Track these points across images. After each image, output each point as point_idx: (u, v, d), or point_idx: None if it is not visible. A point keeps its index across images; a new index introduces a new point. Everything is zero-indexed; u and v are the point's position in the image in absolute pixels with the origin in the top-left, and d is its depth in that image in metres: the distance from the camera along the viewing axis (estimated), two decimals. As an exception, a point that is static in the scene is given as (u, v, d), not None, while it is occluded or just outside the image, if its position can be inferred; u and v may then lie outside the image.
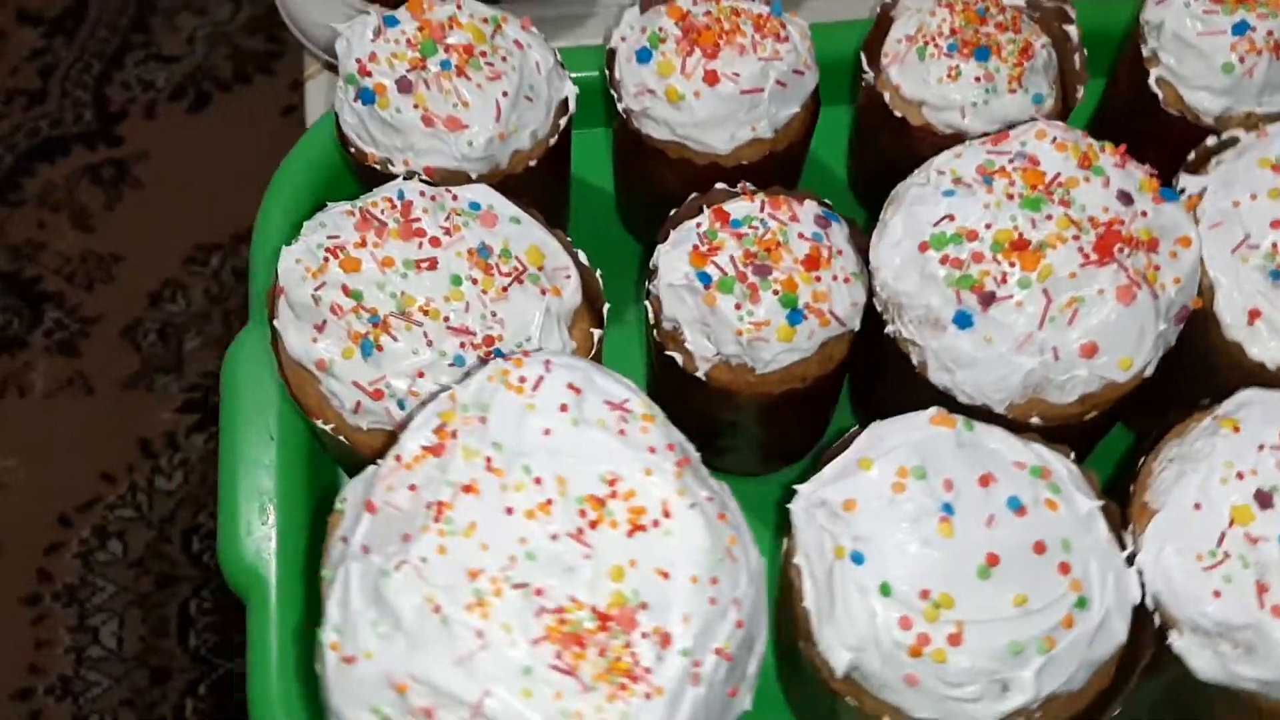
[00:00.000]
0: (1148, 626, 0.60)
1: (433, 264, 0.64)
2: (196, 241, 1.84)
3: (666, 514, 0.52)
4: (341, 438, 0.65)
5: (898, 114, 0.76)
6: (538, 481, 0.52)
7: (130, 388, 1.76)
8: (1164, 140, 0.75)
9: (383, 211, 0.66)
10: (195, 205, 1.86)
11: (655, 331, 0.70)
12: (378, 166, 0.74)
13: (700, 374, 0.69)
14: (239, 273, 1.82)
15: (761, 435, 0.75)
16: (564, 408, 0.54)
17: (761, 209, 0.68)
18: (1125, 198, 0.65)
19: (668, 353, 0.69)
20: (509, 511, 0.51)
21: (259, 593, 0.71)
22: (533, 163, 0.74)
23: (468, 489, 0.52)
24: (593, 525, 0.51)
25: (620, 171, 0.85)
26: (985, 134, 0.74)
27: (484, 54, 0.72)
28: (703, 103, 0.73)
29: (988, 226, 0.64)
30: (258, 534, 0.72)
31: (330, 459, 0.78)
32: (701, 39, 0.72)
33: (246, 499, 0.73)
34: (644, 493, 0.52)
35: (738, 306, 0.66)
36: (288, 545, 0.72)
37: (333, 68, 0.94)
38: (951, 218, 0.65)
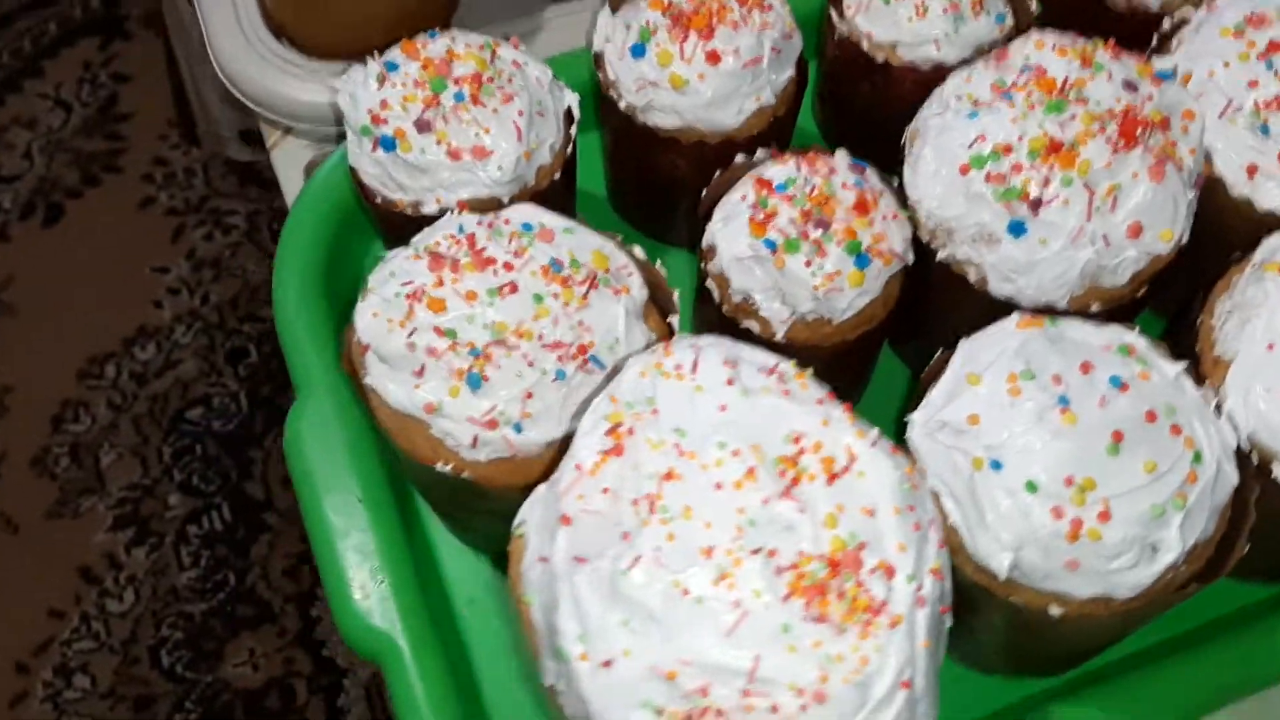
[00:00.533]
0: (1248, 466, 0.65)
1: (513, 287, 0.65)
2: (87, 355, 1.78)
3: (853, 457, 0.54)
4: (465, 475, 0.65)
5: (880, 58, 0.80)
6: (735, 454, 0.53)
7: (55, 517, 1.70)
8: (1113, 36, 0.80)
9: (449, 249, 0.66)
10: (76, 318, 1.80)
11: (723, 308, 0.72)
12: (409, 211, 0.74)
13: (779, 337, 0.71)
14: (137, 376, 1.77)
15: (836, 384, 0.77)
16: (730, 382, 0.56)
17: (798, 169, 0.71)
18: (1130, 86, 0.69)
19: (743, 325, 0.71)
20: (718, 487, 0.53)
21: (392, 652, 0.71)
22: (557, 175, 0.75)
23: (668, 477, 0.53)
24: (794, 482, 0.53)
25: (622, 168, 0.86)
26: (963, 60, 0.78)
27: (491, 79, 0.73)
28: (708, 83, 0.75)
29: (1020, 138, 0.68)
30: (374, 595, 0.72)
31: (418, 506, 0.79)
32: (694, 23, 0.74)
33: (352, 565, 0.72)
34: (829, 442, 0.54)
35: (808, 264, 0.69)
36: (405, 597, 0.72)
37: (307, 133, 0.93)
38: (983, 137, 0.69)
